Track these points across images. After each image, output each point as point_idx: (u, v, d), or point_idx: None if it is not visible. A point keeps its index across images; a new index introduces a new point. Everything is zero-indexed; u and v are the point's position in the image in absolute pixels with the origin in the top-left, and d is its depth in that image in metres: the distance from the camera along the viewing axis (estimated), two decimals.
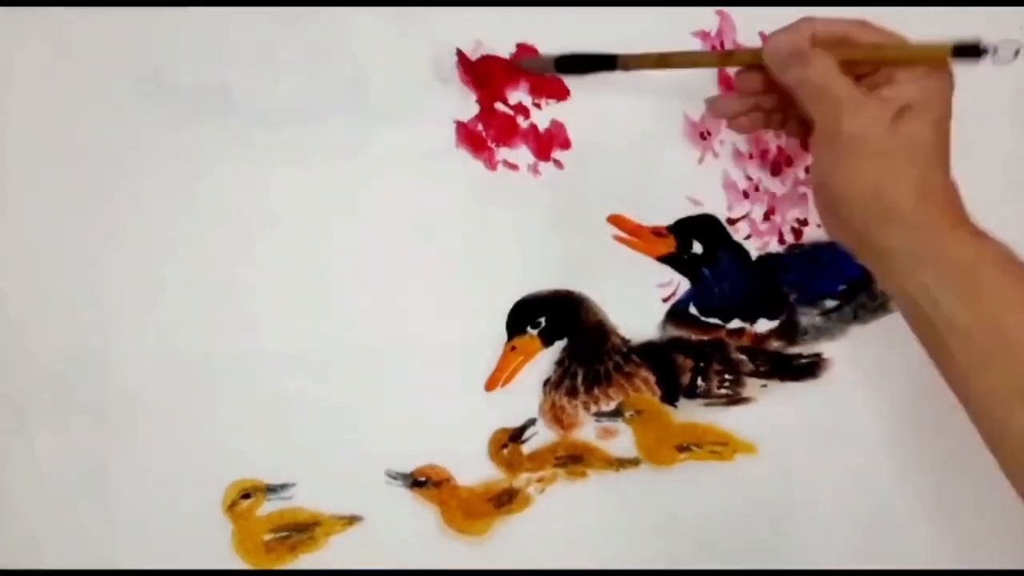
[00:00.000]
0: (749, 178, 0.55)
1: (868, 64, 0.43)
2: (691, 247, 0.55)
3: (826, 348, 0.56)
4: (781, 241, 0.56)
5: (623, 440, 0.56)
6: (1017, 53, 0.39)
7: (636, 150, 0.53)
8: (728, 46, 0.53)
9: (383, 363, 0.53)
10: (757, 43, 0.53)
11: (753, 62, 0.45)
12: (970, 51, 0.41)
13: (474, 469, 0.55)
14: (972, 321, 0.41)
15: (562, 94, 0.52)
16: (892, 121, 0.41)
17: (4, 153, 0.48)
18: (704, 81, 0.53)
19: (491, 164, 0.52)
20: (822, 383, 0.56)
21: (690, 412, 0.57)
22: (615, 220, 0.54)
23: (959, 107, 0.57)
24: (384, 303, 0.52)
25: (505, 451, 0.55)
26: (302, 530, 0.53)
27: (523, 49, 0.51)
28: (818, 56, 0.43)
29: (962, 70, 0.56)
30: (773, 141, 0.55)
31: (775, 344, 0.56)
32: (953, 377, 0.42)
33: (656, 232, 0.54)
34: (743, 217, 0.55)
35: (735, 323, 0.56)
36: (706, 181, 0.54)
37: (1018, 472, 0.40)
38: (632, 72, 0.48)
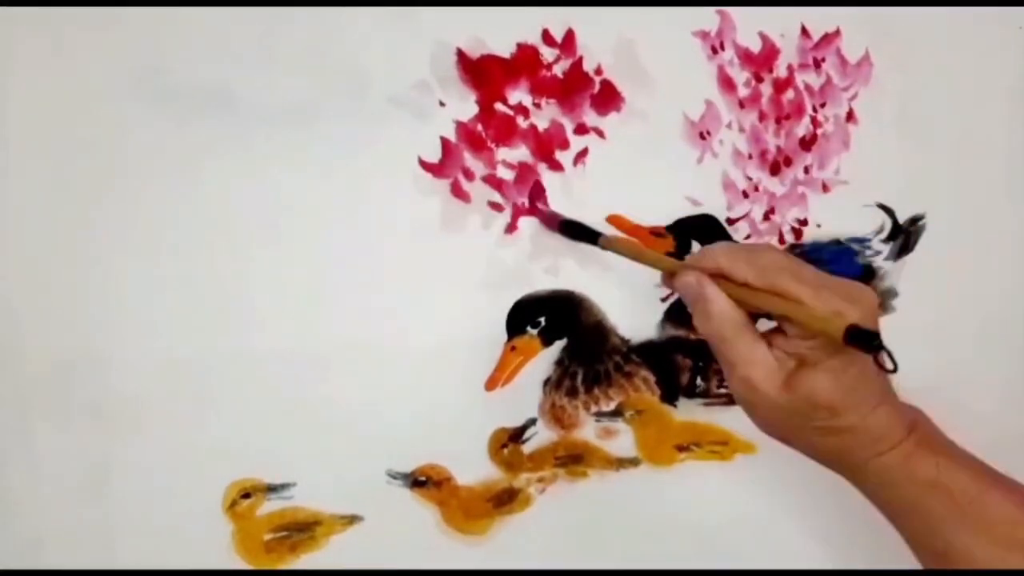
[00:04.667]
0: (748, 178, 0.55)
1: (770, 316, 0.42)
2: (690, 247, 0.55)
3: None
4: (781, 241, 0.56)
5: (623, 440, 0.56)
6: (891, 371, 0.38)
7: (635, 150, 0.53)
8: (727, 45, 0.53)
9: (383, 363, 0.52)
10: (757, 43, 0.54)
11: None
12: (863, 340, 0.38)
13: (474, 469, 0.55)
14: (918, 533, 0.44)
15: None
16: (785, 381, 0.41)
17: (4, 153, 0.48)
18: (703, 83, 0.53)
19: (491, 165, 0.52)
20: None
21: (690, 412, 0.57)
22: (614, 220, 0.54)
23: (959, 107, 0.57)
24: (384, 303, 0.52)
25: (505, 451, 0.55)
26: (302, 530, 0.53)
27: (523, 49, 0.51)
28: (716, 310, 0.42)
29: (962, 68, 0.56)
30: (773, 141, 0.55)
31: None
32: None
33: (655, 232, 0.54)
34: (743, 217, 0.55)
35: None
36: (705, 181, 0.54)
37: None
38: None
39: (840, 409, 0.41)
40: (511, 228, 0.53)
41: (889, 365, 0.38)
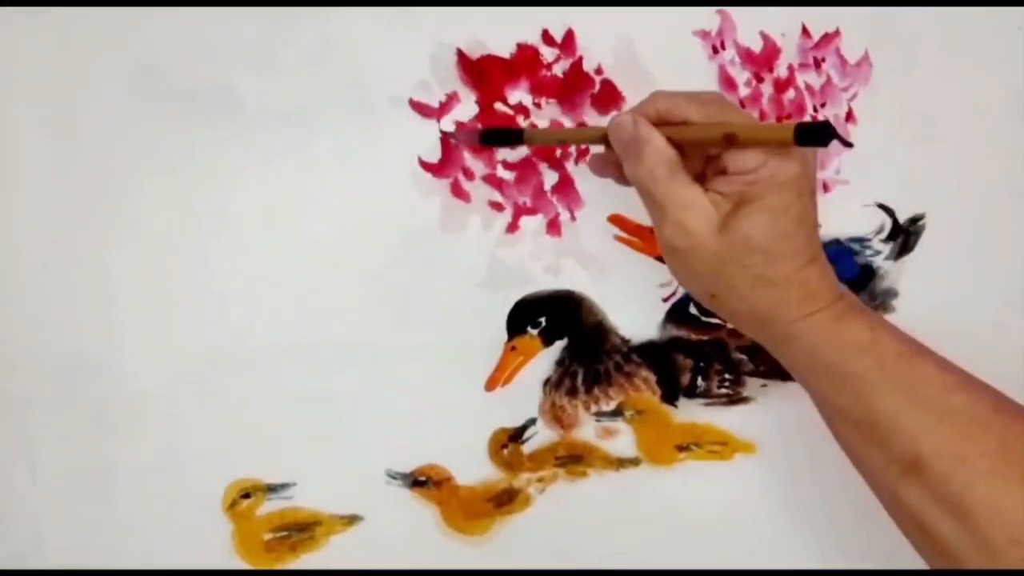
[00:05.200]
0: None
1: (714, 144, 0.41)
2: None
3: None
4: None
5: (623, 440, 0.56)
6: (848, 144, 0.37)
7: None
8: (728, 45, 0.53)
9: (383, 363, 0.53)
10: (758, 43, 0.54)
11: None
12: (816, 135, 0.37)
13: (474, 469, 0.55)
14: (845, 403, 0.41)
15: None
16: (721, 224, 0.40)
17: (4, 153, 0.48)
18: (704, 82, 0.53)
19: (491, 165, 0.52)
20: None
21: (690, 412, 0.57)
22: (615, 220, 0.54)
23: (959, 107, 0.57)
24: (384, 303, 0.52)
25: (505, 451, 0.55)
26: (302, 530, 0.53)
27: (523, 49, 0.51)
28: (650, 150, 0.40)
29: (962, 68, 0.56)
30: None
31: None
32: (844, 449, 0.43)
33: None
34: None
35: None
36: None
37: (916, 539, 0.41)
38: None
39: (776, 254, 0.39)
40: (511, 228, 0.53)
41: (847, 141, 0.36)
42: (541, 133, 0.49)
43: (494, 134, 0.49)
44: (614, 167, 0.44)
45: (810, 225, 0.40)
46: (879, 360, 0.40)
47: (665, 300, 0.55)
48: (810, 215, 0.40)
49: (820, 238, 0.42)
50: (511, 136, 0.48)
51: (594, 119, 0.52)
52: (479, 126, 0.51)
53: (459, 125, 0.51)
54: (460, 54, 0.50)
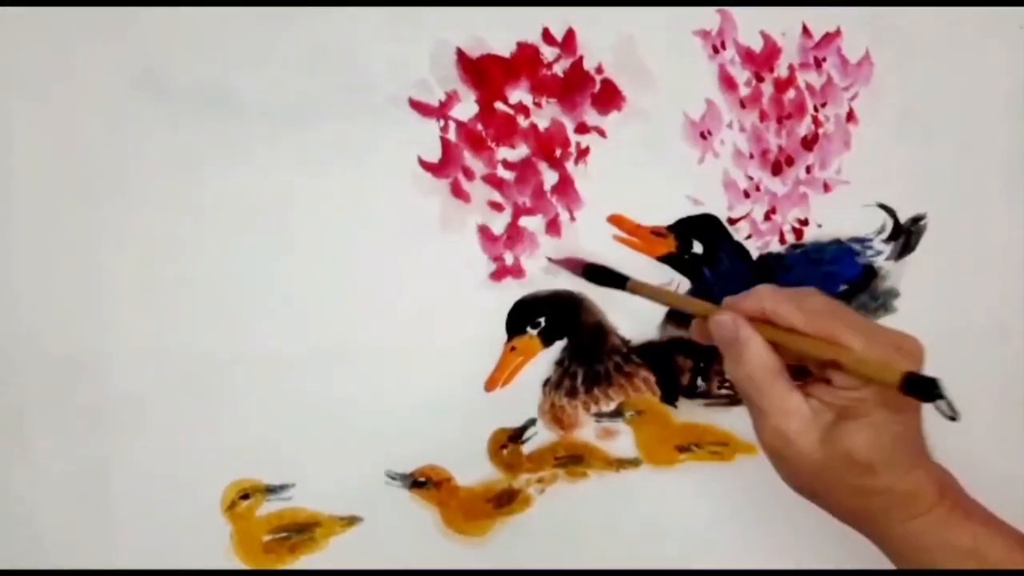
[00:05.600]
0: (750, 178, 0.55)
1: (817, 364, 0.40)
2: (691, 247, 0.55)
3: None
4: (782, 241, 0.56)
5: (623, 440, 0.56)
6: (952, 419, 0.35)
7: (636, 149, 0.53)
8: (728, 45, 0.53)
9: (383, 363, 0.52)
10: (758, 42, 0.53)
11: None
12: (923, 388, 0.36)
13: (474, 469, 0.55)
14: None
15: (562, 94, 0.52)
16: (823, 434, 0.39)
17: (4, 153, 0.48)
18: (704, 82, 0.53)
19: (491, 164, 0.52)
20: None
21: (690, 412, 0.56)
22: (615, 220, 0.54)
23: (960, 107, 0.57)
24: (384, 303, 0.52)
25: (505, 451, 0.55)
26: (302, 530, 0.53)
27: (523, 48, 0.51)
28: (750, 355, 0.40)
29: (962, 68, 0.56)
30: (774, 140, 0.55)
31: None
32: None
33: (656, 232, 0.54)
34: (744, 217, 0.55)
35: None
36: (706, 181, 0.54)
37: None
38: None
39: (878, 468, 0.39)
40: (512, 227, 0.53)
41: (950, 412, 0.36)
42: (645, 287, 0.47)
43: (598, 272, 0.49)
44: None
45: (911, 438, 0.40)
46: (983, 566, 0.40)
47: None
48: (912, 429, 0.40)
49: (924, 442, 0.41)
50: (614, 278, 0.48)
51: (595, 119, 0.52)
52: (584, 260, 0.50)
53: (566, 259, 0.51)
54: (460, 53, 0.50)
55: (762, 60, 0.54)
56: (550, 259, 0.52)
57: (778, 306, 0.40)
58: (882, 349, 0.38)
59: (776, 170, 0.55)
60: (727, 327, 0.41)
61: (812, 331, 0.39)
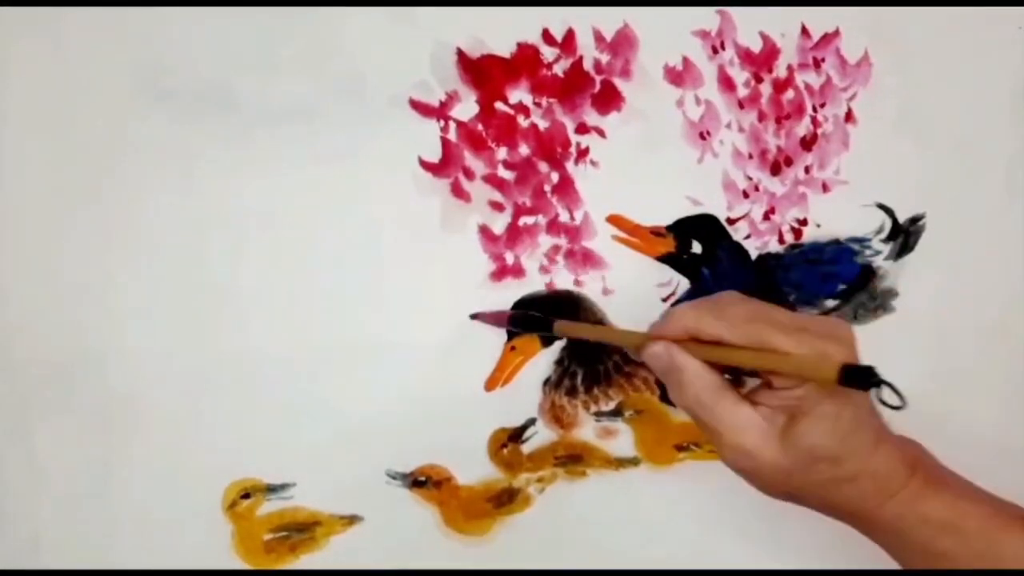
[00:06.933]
0: (749, 178, 0.55)
1: (754, 374, 0.40)
2: (690, 247, 0.55)
3: None
4: (781, 241, 0.56)
5: (623, 440, 0.56)
6: (898, 407, 0.35)
7: (635, 149, 0.53)
8: (728, 45, 0.53)
9: (383, 363, 0.52)
10: (757, 43, 0.54)
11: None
12: (860, 377, 0.36)
13: (474, 469, 0.55)
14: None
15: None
16: (781, 438, 0.39)
17: (3, 153, 0.48)
18: (704, 82, 0.53)
19: (491, 164, 0.52)
20: None
21: None
22: (614, 220, 0.54)
23: (959, 107, 0.57)
24: (384, 303, 0.52)
25: (505, 451, 0.55)
26: (302, 530, 0.53)
27: (523, 48, 0.51)
28: (689, 378, 0.40)
29: (962, 68, 0.56)
30: (773, 141, 0.55)
31: None
32: None
33: (655, 232, 0.54)
34: (743, 217, 0.55)
35: None
36: (705, 181, 0.54)
37: None
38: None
39: (842, 456, 0.39)
40: (512, 227, 0.53)
41: (896, 400, 0.36)
42: (572, 327, 0.48)
43: (523, 320, 0.50)
44: None
45: (865, 419, 0.40)
46: (962, 537, 0.41)
47: (664, 300, 0.55)
48: (864, 409, 0.40)
49: (880, 418, 0.41)
50: (540, 323, 0.49)
51: (595, 119, 0.52)
52: (507, 312, 0.52)
53: (485, 314, 0.52)
54: (460, 53, 0.50)
55: (761, 60, 0.54)
56: (473, 316, 0.52)
57: (699, 322, 0.40)
58: (812, 342, 0.38)
59: (775, 170, 0.55)
60: (661, 357, 0.41)
61: (739, 340, 0.39)
